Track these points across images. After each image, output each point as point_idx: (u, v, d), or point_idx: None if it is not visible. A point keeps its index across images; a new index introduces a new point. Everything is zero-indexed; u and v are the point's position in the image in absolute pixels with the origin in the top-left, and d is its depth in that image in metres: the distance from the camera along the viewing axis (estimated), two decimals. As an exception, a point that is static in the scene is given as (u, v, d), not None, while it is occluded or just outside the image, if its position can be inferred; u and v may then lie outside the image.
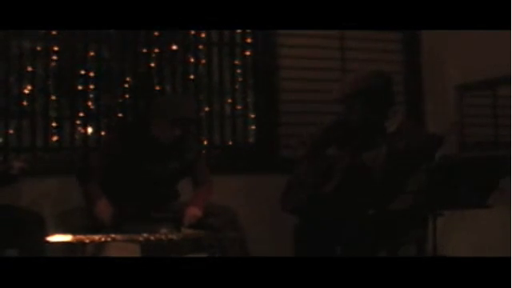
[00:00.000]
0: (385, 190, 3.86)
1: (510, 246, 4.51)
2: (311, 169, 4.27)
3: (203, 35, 5.74)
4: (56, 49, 5.34)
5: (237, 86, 5.85)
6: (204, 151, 5.33)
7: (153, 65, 5.61)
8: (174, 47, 5.66)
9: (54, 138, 5.33)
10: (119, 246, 3.94)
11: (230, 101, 5.83)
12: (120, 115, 5.46)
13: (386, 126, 4.16)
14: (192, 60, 5.72)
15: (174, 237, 4.11)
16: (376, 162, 3.95)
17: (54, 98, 5.35)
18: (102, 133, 5.44)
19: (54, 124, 5.34)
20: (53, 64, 5.36)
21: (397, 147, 3.92)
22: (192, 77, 5.68)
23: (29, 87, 5.29)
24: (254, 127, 5.84)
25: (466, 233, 5.01)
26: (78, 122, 5.40)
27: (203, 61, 5.75)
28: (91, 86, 5.44)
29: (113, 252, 3.90)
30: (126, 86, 5.53)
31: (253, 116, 5.85)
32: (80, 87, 5.40)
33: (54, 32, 5.30)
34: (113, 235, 4.03)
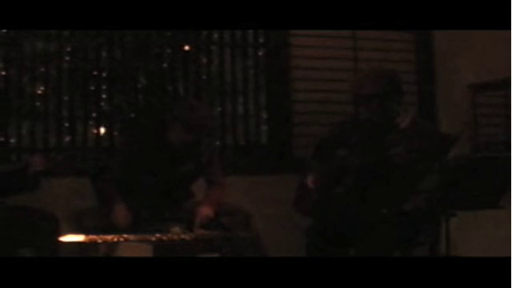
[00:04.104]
0: (398, 190, 3.85)
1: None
2: (323, 169, 4.26)
3: (216, 35, 5.75)
4: (69, 49, 5.36)
5: (249, 87, 5.86)
6: (217, 152, 5.32)
7: (165, 65, 5.63)
8: (187, 48, 5.67)
9: (67, 139, 5.35)
10: (132, 246, 3.95)
11: (242, 101, 5.84)
12: (132, 115, 5.47)
13: (399, 122, 4.17)
14: (204, 60, 5.73)
15: (186, 237, 4.11)
16: (391, 160, 3.95)
17: (66, 98, 5.37)
18: (115, 133, 5.45)
19: (66, 124, 5.35)
20: (65, 64, 5.38)
21: (412, 144, 3.92)
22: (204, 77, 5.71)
23: (42, 88, 5.31)
24: (266, 127, 5.85)
25: (479, 233, 4.99)
26: (91, 122, 5.42)
27: (216, 61, 5.76)
28: (104, 87, 5.45)
29: (125, 252, 3.90)
30: (139, 86, 5.54)
31: (265, 116, 5.85)
32: (93, 88, 5.42)
33: (66, 32, 5.32)
34: (125, 235, 4.04)
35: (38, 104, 5.30)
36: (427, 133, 4.08)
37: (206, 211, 4.52)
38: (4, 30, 5.12)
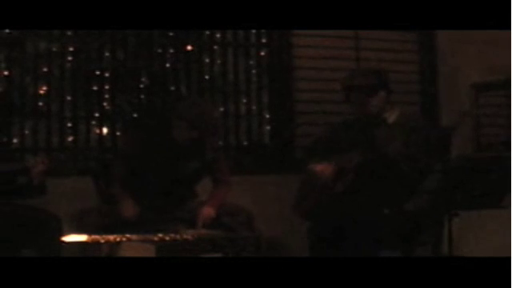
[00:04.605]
0: (399, 189, 3.86)
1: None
2: (322, 170, 4.27)
3: (218, 35, 5.75)
4: (71, 49, 5.36)
5: (252, 87, 5.86)
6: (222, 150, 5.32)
7: (168, 65, 5.63)
8: (189, 47, 5.67)
9: (70, 139, 5.36)
10: (134, 246, 3.95)
11: (244, 101, 5.84)
12: (135, 115, 5.47)
13: (386, 118, 4.24)
14: (207, 60, 5.73)
15: (188, 237, 4.11)
16: (387, 157, 3.98)
17: (69, 98, 5.37)
18: (117, 133, 5.46)
19: (69, 124, 5.36)
20: (68, 64, 5.38)
21: (408, 139, 3.96)
22: (207, 77, 5.71)
23: (44, 87, 5.31)
24: (268, 127, 5.85)
25: (481, 233, 4.99)
26: (94, 122, 5.42)
27: (218, 61, 5.76)
28: (106, 87, 5.45)
29: (128, 252, 3.91)
30: (141, 86, 5.54)
31: (268, 116, 5.85)
32: (95, 87, 5.42)
33: (69, 32, 5.32)
34: (128, 235, 4.04)
35: (40, 104, 5.30)
36: (421, 126, 4.11)
37: (208, 212, 4.53)
38: (7, 30, 5.12)
